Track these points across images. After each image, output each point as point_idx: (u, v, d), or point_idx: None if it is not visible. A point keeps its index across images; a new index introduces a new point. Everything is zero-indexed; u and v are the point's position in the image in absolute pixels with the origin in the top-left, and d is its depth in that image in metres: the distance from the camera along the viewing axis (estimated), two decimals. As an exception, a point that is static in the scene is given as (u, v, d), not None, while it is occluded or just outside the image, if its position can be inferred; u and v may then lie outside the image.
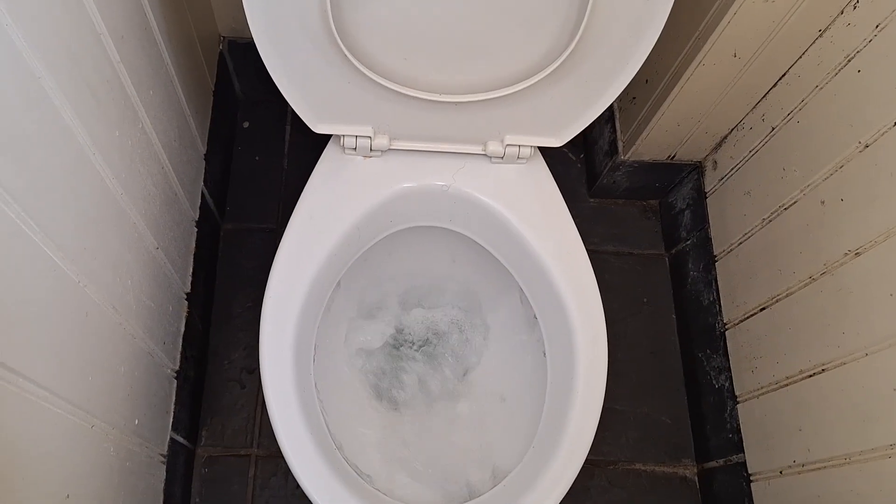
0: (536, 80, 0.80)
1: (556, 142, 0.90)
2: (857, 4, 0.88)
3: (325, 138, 0.93)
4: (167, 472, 1.01)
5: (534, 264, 0.91)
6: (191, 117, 1.07)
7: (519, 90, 0.81)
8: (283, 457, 0.78)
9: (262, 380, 0.80)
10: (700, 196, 1.27)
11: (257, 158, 1.39)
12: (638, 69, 0.81)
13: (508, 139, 0.89)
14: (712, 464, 1.21)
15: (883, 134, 0.85)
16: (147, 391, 0.90)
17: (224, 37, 1.27)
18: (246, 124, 1.40)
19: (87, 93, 0.65)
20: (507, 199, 0.92)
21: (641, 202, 1.43)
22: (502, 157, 0.91)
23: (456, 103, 0.83)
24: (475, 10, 0.74)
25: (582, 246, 0.91)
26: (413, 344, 1.12)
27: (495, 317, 1.09)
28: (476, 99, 0.83)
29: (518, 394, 1.00)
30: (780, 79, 1.03)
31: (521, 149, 0.90)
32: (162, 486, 0.99)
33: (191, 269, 1.12)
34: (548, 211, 0.92)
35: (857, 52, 0.89)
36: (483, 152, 0.91)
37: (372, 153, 0.91)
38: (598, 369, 0.85)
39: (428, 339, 1.12)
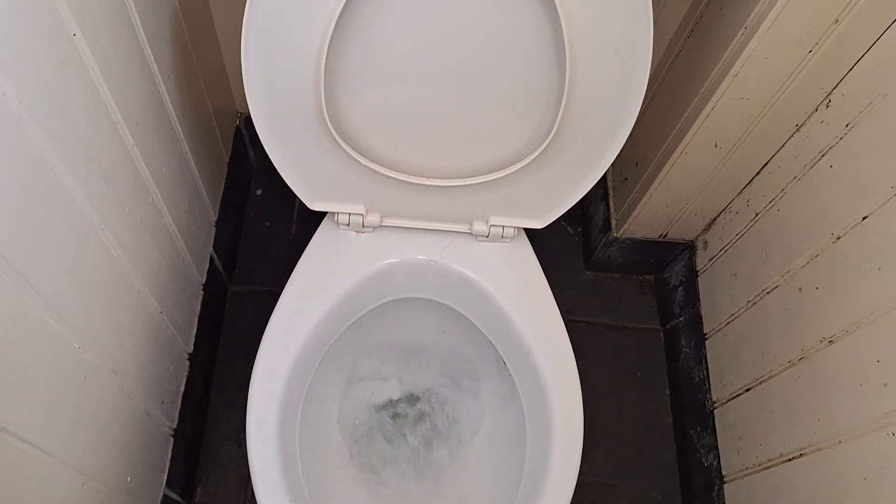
0: (517, 167, 0.85)
1: (538, 224, 0.94)
2: (829, 103, 0.93)
3: (324, 213, 0.99)
4: (159, 528, 1.04)
5: (514, 337, 0.95)
6: (203, 188, 1.14)
7: (501, 176, 0.87)
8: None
9: (248, 448, 0.84)
10: (692, 274, 1.31)
11: (267, 224, 1.46)
12: (612, 160, 0.85)
13: (493, 220, 0.94)
14: (700, 543, 1.21)
15: (853, 227, 0.88)
16: (141, 449, 0.94)
17: (241, 112, 1.35)
18: (259, 192, 1.48)
19: (98, 175, 0.71)
20: (492, 275, 0.96)
21: (637, 276, 1.47)
22: (487, 236, 0.96)
23: (442, 187, 0.89)
24: (460, 104, 0.80)
25: (561, 323, 0.94)
26: (401, 414, 1.15)
27: (483, 386, 1.13)
28: (461, 184, 0.88)
29: (502, 465, 1.02)
30: (762, 167, 1.08)
31: (505, 229, 0.95)
32: (153, 541, 1.03)
33: (195, 330, 1.17)
34: (530, 288, 0.96)
35: (830, 147, 0.93)
36: (469, 231, 0.96)
37: (364, 229, 0.96)
38: (573, 449, 0.88)
39: (418, 408, 1.15)
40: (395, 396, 1.16)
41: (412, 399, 1.16)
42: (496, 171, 0.87)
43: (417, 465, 1.08)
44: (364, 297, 0.98)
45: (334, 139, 0.81)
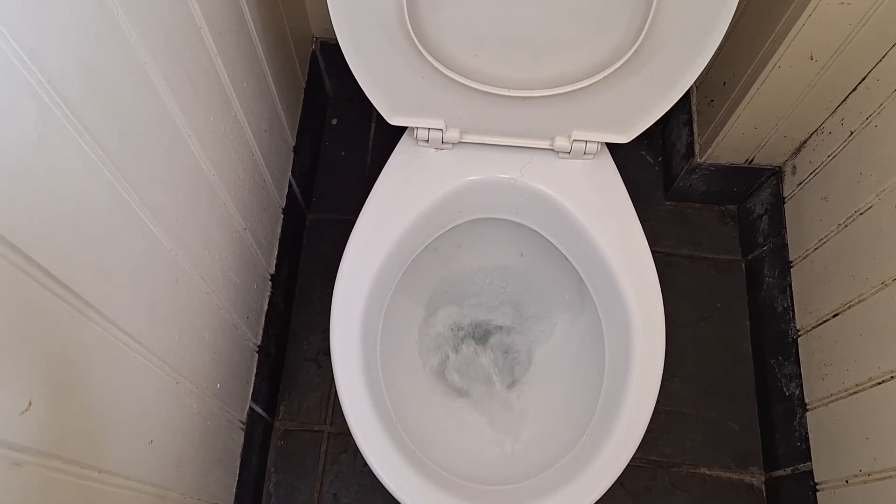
0: (603, 75, 0.83)
1: (623, 138, 0.92)
2: (940, 6, 0.87)
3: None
4: (245, 438, 1.08)
5: (595, 257, 0.93)
6: (282, 111, 1.15)
7: (586, 86, 0.84)
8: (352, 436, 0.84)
9: (332, 360, 0.86)
10: (778, 201, 1.26)
11: (343, 153, 1.47)
12: (703, 67, 0.82)
13: (575, 135, 0.92)
14: (779, 472, 1.19)
15: (961, 137, 0.83)
16: (229, 359, 0.98)
17: (317, 38, 1.35)
18: (334, 121, 1.48)
19: (185, 80, 0.73)
20: (573, 193, 0.95)
21: (719, 207, 1.42)
22: (569, 153, 0.94)
23: (524, 98, 0.87)
24: (545, 8, 0.78)
25: (645, 241, 0.92)
26: (476, 334, 1.16)
27: (559, 310, 1.12)
28: (544, 94, 0.86)
29: (577, 384, 1.02)
30: (860, 82, 1.02)
31: (588, 144, 0.93)
32: (240, 451, 1.07)
33: (276, 253, 1.20)
34: (612, 206, 0.94)
35: (939, 54, 0.87)
36: (550, 147, 0.94)
37: (443, 145, 0.96)
38: (655, 362, 0.87)
39: (489, 330, 1.16)
40: (472, 320, 1.17)
41: (487, 323, 1.17)
42: (580, 80, 0.84)
43: (492, 379, 1.09)
44: (442, 216, 0.98)
45: (416, 48, 0.80)
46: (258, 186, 1.05)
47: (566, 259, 1.00)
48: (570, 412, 0.99)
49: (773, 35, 0.98)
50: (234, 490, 1.06)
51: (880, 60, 0.97)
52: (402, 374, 1.03)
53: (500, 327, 1.16)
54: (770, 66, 1.00)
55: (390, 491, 0.81)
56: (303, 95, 1.31)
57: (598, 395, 0.92)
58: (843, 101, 1.06)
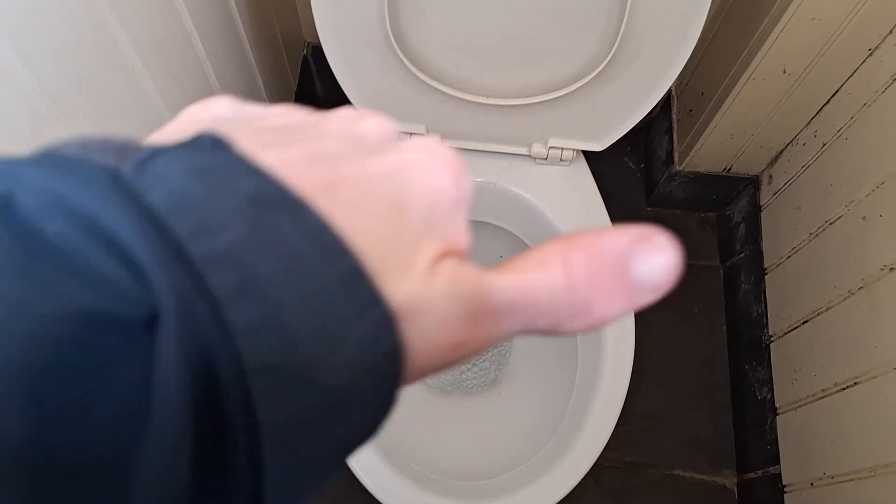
0: (578, 85, 0.86)
1: (597, 146, 0.95)
2: (906, 24, 0.90)
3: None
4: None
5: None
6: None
7: (561, 95, 0.87)
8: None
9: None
10: (755, 210, 1.29)
11: (333, 154, 1.49)
12: (675, 78, 0.85)
13: (552, 142, 0.95)
14: (751, 475, 1.22)
15: (922, 152, 0.86)
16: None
17: (308, 42, 1.38)
18: (324, 122, 1.51)
19: (171, 80, 0.75)
20: (549, 198, 0.98)
21: (699, 214, 1.45)
22: (546, 159, 0.97)
23: (502, 106, 0.90)
24: (522, 19, 0.81)
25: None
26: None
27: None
28: (521, 103, 0.89)
29: (551, 383, 1.05)
30: (832, 96, 1.05)
31: (564, 151, 0.96)
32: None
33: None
34: (587, 211, 0.97)
35: (904, 71, 0.90)
36: (528, 153, 0.97)
37: (425, 150, 0.98)
38: (624, 365, 0.90)
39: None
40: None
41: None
42: (557, 89, 0.87)
43: (469, 377, 1.12)
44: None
45: (397, 55, 0.83)
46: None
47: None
48: (543, 410, 1.02)
49: (748, 48, 1.01)
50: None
51: (851, 75, 1.00)
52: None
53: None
54: (744, 78, 1.03)
55: (365, 485, 0.84)
56: (293, 98, 1.34)
57: (570, 395, 0.95)
58: (817, 113, 1.09)
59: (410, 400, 1.06)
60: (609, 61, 0.82)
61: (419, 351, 0.17)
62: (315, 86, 1.47)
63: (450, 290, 0.17)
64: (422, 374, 0.18)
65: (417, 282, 0.17)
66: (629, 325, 0.92)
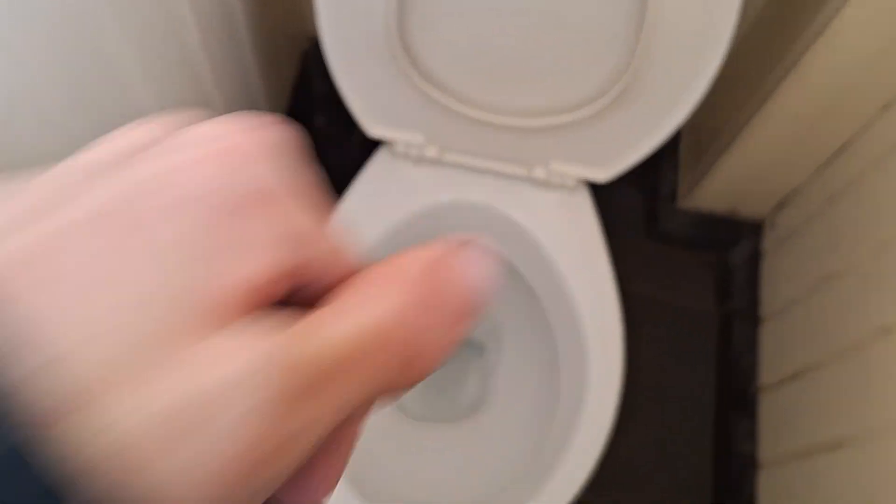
0: (587, 111, 0.82)
1: (601, 175, 0.91)
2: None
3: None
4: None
5: (560, 296, 0.92)
6: (266, 106, 1.14)
7: (568, 120, 0.83)
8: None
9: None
10: (756, 256, 1.26)
11: (329, 155, 1.45)
12: (687, 113, 0.81)
13: (553, 166, 0.91)
14: (727, 530, 1.18)
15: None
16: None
17: (309, 37, 1.34)
18: (322, 121, 1.47)
19: (163, 69, 0.72)
20: (545, 225, 0.94)
21: (700, 254, 1.42)
22: (546, 184, 0.93)
23: (505, 126, 0.86)
24: (535, 39, 0.77)
25: (612, 284, 0.91)
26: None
27: (521, 338, 1.11)
28: (526, 124, 0.85)
29: (534, 414, 1.01)
30: (841, 147, 1.01)
31: (565, 178, 0.92)
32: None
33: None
34: (584, 243, 0.93)
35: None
36: (528, 176, 0.93)
37: (421, 161, 0.95)
38: (607, 411, 0.85)
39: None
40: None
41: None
42: (563, 112, 0.84)
43: (448, 403, 1.08)
44: (411, 233, 0.97)
45: (403, 65, 0.80)
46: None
47: (532, 289, 0.99)
48: (524, 440, 0.98)
49: (761, 92, 0.98)
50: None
51: (864, 128, 0.97)
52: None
53: (458, 352, 1.15)
54: (755, 121, 1.00)
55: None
56: (290, 92, 1.30)
57: (552, 428, 0.91)
58: (824, 164, 1.06)
59: (382, 427, 1.02)
60: (622, 89, 0.78)
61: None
62: (313, 82, 1.43)
63: (240, 377, 0.12)
64: None
65: (169, 386, 0.11)
66: (616, 366, 0.88)
